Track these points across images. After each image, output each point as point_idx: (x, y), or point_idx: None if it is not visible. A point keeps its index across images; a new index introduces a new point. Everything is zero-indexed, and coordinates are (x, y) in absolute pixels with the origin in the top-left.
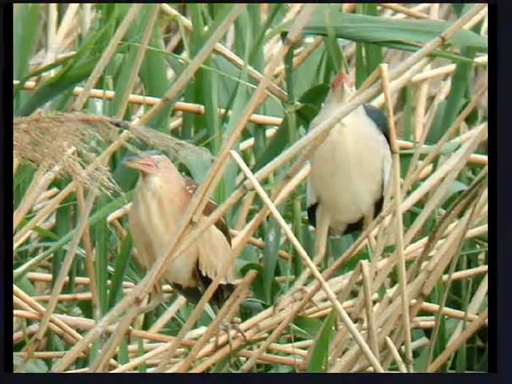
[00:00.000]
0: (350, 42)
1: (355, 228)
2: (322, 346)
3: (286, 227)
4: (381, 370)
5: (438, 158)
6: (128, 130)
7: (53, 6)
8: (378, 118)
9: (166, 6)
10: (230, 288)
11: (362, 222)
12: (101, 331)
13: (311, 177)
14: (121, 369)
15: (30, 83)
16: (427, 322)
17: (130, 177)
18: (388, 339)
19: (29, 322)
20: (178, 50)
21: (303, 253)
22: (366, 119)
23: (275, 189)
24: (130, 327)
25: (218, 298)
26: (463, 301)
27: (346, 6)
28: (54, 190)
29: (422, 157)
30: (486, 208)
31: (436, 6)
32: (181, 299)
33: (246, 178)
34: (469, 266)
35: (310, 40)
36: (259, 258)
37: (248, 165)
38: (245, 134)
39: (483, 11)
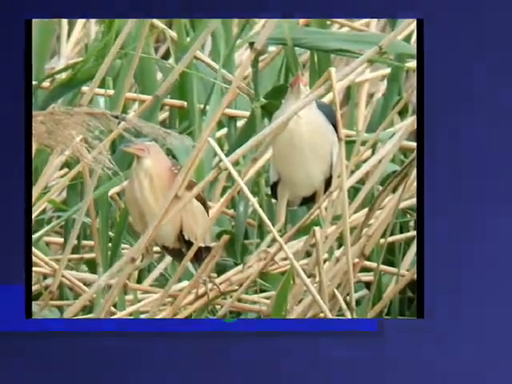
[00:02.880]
0: (304, 50)
1: (309, 200)
2: (282, 296)
3: (253, 200)
4: (330, 316)
5: (376, 144)
6: (125, 121)
7: (64, 21)
8: (328, 112)
9: (155, 20)
10: (208, 249)
11: (314, 195)
12: (103, 284)
13: (273, 159)
14: (119, 315)
15: (46, 84)
16: (367, 276)
17: (126, 159)
18: (335, 291)
19: (45, 276)
20: (166, 56)
21: (267, 221)
22: (318, 112)
23: (244, 169)
24: (127, 281)
25: (198, 258)
26: (396, 260)
27: (302, 20)
28: (65, 170)
29: (363, 143)
30: (414, 184)
31: (374, 20)
32: (168, 258)
33: (220, 160)
34: (401, 232)
35: (272, 48)
36: (231, 225)
37: (222, 150)
38: (219, 125)
39: (412, 25)
